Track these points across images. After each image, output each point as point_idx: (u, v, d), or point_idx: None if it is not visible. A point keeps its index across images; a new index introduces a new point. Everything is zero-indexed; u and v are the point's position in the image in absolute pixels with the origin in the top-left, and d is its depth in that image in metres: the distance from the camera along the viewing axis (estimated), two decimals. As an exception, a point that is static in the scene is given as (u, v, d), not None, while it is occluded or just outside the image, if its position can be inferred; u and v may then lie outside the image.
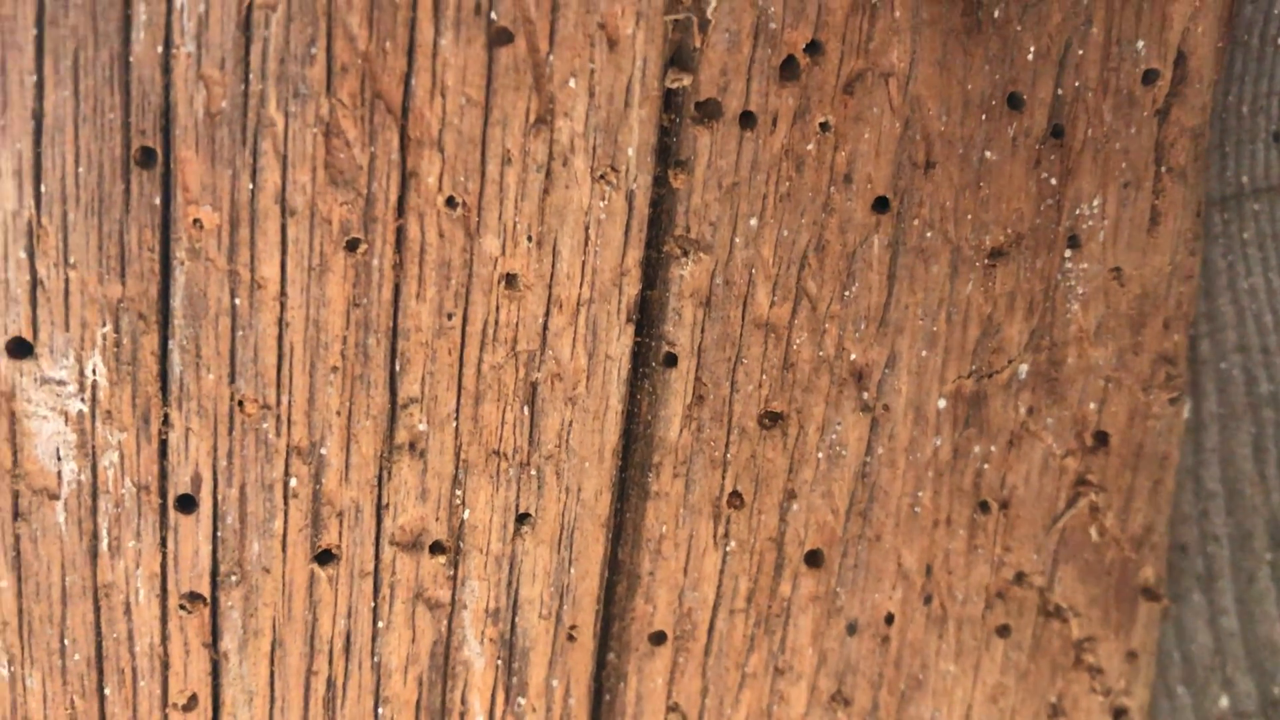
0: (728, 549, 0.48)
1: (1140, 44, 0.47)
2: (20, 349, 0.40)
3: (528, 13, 0.40)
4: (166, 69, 0.39)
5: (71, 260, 0.39)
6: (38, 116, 0.38)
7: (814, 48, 0.43)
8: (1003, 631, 0.52)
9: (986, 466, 0.49)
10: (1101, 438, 0.51)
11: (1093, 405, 0.50)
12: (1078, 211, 0.47)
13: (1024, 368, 0.49)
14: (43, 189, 0.39)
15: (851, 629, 0.50)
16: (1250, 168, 0.53)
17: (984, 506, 0.50)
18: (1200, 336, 0.54)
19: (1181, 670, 0.58)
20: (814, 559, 0.49)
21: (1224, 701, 0.58)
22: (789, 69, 0.43)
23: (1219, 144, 0.52)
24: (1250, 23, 0.52)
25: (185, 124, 0.39)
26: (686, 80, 0.42)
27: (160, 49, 0.38)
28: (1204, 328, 0.54)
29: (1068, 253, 0.48)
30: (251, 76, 0.39)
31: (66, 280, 0.40)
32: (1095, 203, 0.48)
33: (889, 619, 0.50)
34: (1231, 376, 0.55)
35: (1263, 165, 0.54)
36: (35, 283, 0.39)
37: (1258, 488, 0.56)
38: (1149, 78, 0.47)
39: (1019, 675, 0.52)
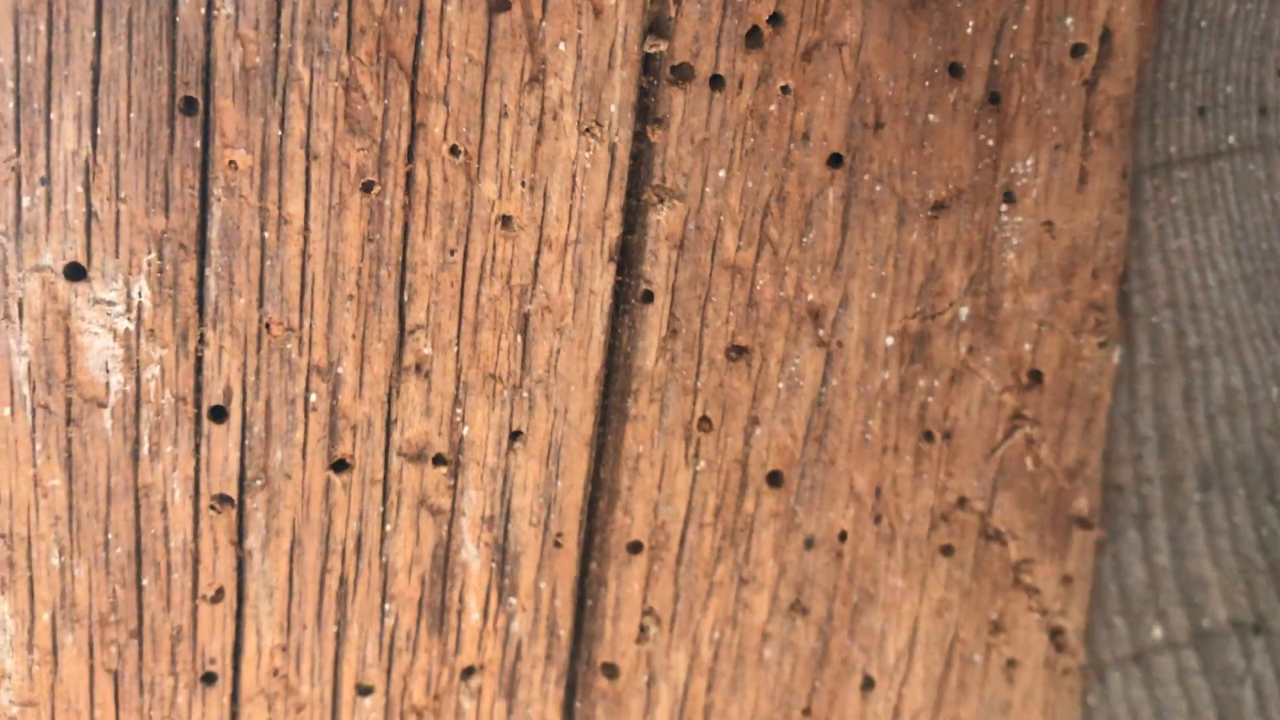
0: (698, 468, 0.53)
1: (1069, 20, 0.53)
2: (75, 273, 0.46)
3: (523, -16, 0.46)
4: (208, 28, 0.44)
5: (122, 195, 0.45)
6: (95, 68, 0.44)
7: (776, 19, 0.49)
8: (946, 551, 0.57)
9: (930, 399, 0.55)
10: (1036, 376, 0.56)
11: (1027, 346, 0.56)
12: (1013, 170, 0.53)
13: (964, 310, 0.54)
14: (98, 131, 0.44)
15: (809, 544, 0.55)
16: (1178, 139, 0.58)
17: (928, 436, 0.56)
18: (1133, 292, 0.59)
19: (1118, 603, 0.62)
20: (775, 479, 0.54)
21: (1157, 632, 0.62)
22: (754, 38, 0.49)
23: (1149, 116, 0.57)
24: (1176, 6, 0.56)
25: (224, 77, 0.45)
26: (663, 46, 0.48)
27: (203, 10, 0.44)
28: (1136, 284, 0.59)
29: (1004, 207, 0.54)
30: (282, 36, 0.45)
31: (117, 212, 0.45)
32: (1029, 162, 0.53)
33: (842, 536, 0.56)
34: (1163, 330, 0.59)
35: (1189, 136, 0.58)
36: (90, 214, 0.45)
37: (1187, 433, 0.60)
38: (1077, 51, 0.53)
39: (962, 592, 0.58)
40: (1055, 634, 0.60)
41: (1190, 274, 0.59)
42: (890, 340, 0.54)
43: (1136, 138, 0.56)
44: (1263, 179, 0.59)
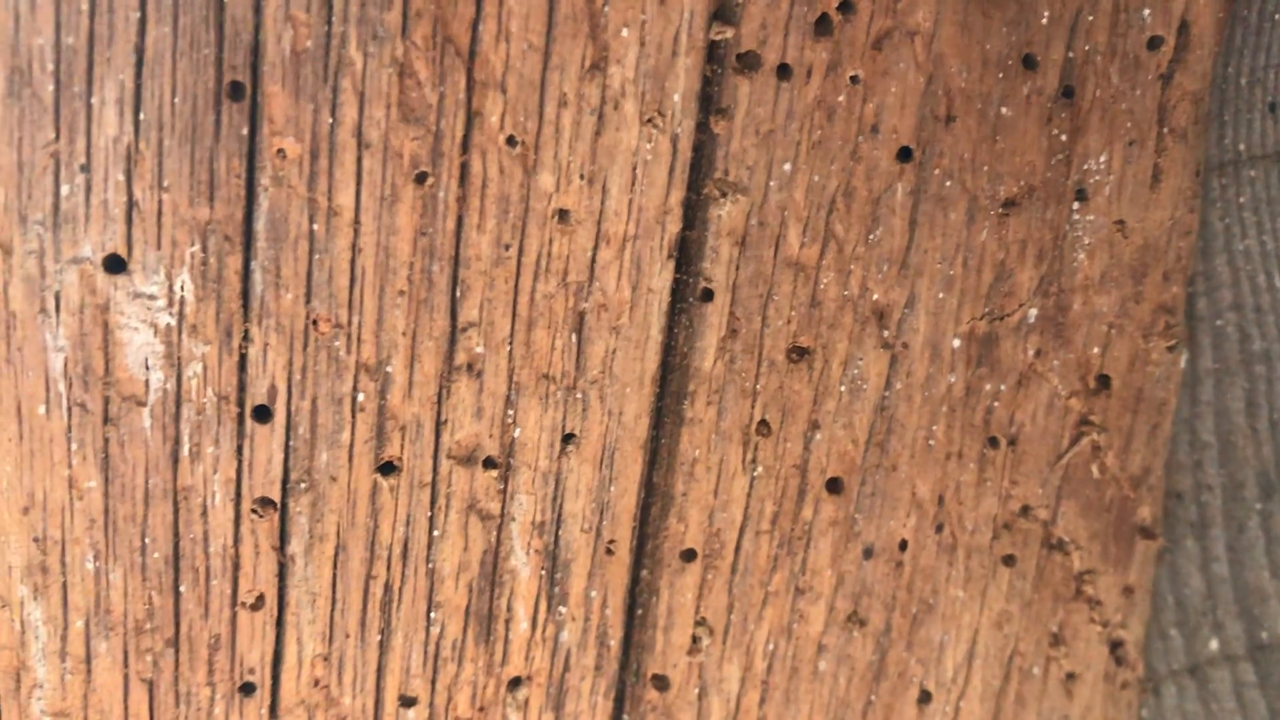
0: (755, 474, 0.51)
1: (1146, 12, 0.50)
2: (115, 265, 0.44)
3: (586, -34, 0.44)
4: (257, 9, 0.42)
5: (165, 184, 0.43)
6: (139, 50, 0.42)
7: (846, 6, 0.47)
8: (1008, 561, 0.55)
9: (996, 404, 0.53)
10: (1104, 381, 0.54)
11: (1096, 349, 0.54)
12: (1085, 166, 0.51)
13: (1033, 312, 0.52)
14: (141, 117, 0.42)
15: (868, 553, 0.53)
16: (1247, 136, 0.57)
17: (993, 442, 0.54)
18: (1197, 294, 0.57)
19: (1175, 613, 0.61)
20: (834, 486, 0.52)
21: (1214, 644, 0.61)
22: (823, 25, 0.47)
23: (1218, 113, 0.56)
24: (1249, -1, 0.55)
25: (273, 61, 0.43)
26: (729, 33, 0.46)
27: (253, -9, 0.42)
28: (1201, 286, 0.58)
29: (1075, 205, 0.52)
30: (334, 19, 0.43)
31: (160, 202, 0.43)
32: (1102, 159, 0.51)
33: (903, 545, 0.54)
34: (1226, 333, 0.58)
35: (1259, 134, 0.57)
36: (131, 203, 0.43)
37: (1249, 440, 0.59)
38: (1154, 43, 0.51)
39: (1023, 603, 0.56)
40: (1115, 646, 0.58)
41: (1256, 276, 0.58)
42: (957, 342, 0.52)
43: (1205, 135, 0.55)
44: (1333, 178, 0.58)
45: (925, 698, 0.56)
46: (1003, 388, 0.53)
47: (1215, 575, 0.60)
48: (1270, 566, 0.60)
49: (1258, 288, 0.58)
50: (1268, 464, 0.59)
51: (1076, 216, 0.52)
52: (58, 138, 0.42)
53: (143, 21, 0.42)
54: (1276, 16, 0.56)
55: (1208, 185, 0.56)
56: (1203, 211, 0.56)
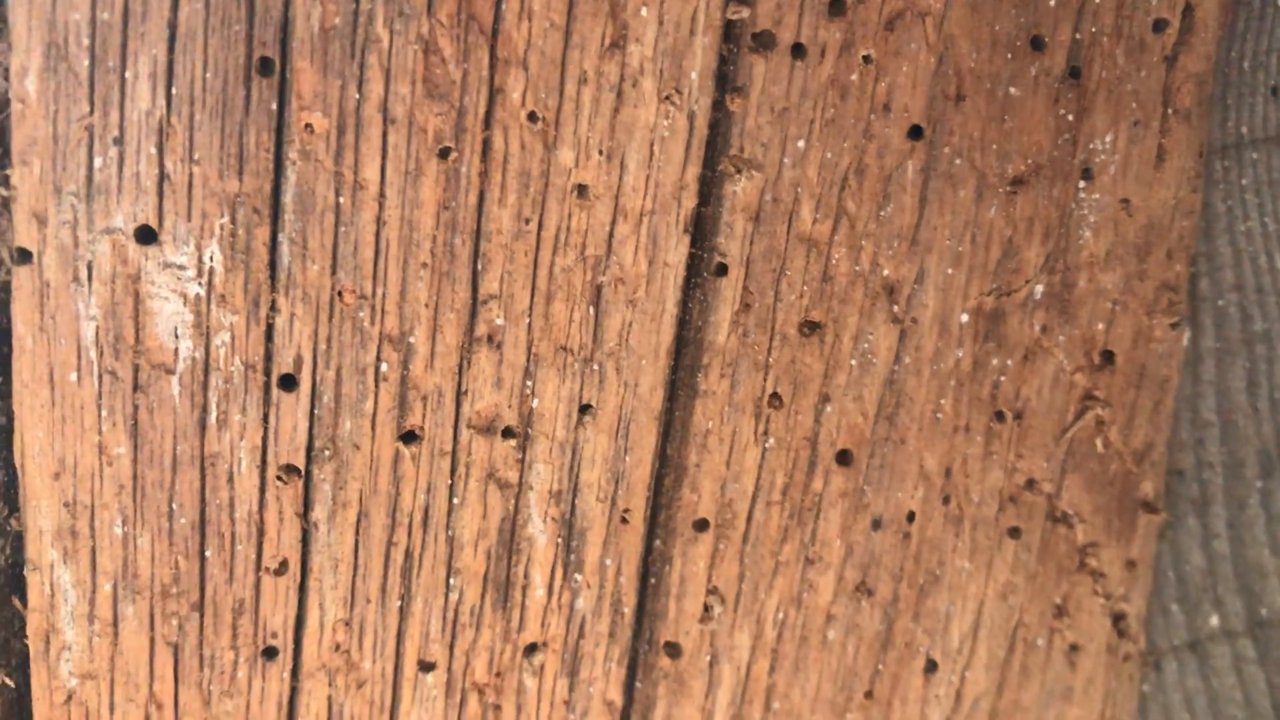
0: (767, 445, 0.53)
1: (1152, -4, 0.52)
2: (147, 235, 0.45)
3: (607, -54, 0.45)
4: (287, -13, 0.43)
5: (196, 157, 0.44)
6: (172, 26, 0.43)
7: (860, -13, 0.48)
8: (1014, 533, 0.56)
9: (1003, 379, 0.54)
10: (1108, 356, 0.55)
11: (1101, 326, 0.55)
12: (1091, 146, 0.52)
13: (1039, 288, 0.53)
14: (174, 91, 0.43)
15: (876, 524, 0.55)
16: (1250, 119, 0.58)
17: (1000, 416, 0.55)
18: (1200, 275, 0.58)
19: (1176, 589, 0.62)
20: (844, 458, 0.54)
21: (1214, 620, 0.62)
22: (837, 6, 0.48)
23: (1221, 96, 0.57)
24: (1252, -19, 0.56)
25: (302, 37, 0.44)
26: (745, 13, 0.47)
27: (283, -32, 0.43)
28: (1203, 267, 0.59)
29: (1081, 183, 0.53)
30: (362, -4, 0.44)
31: (190, 175, 0.44)
32: (1107, 138, 0.52)
33: (910, 517, 0.55)
34: (1228, 313, 0.59)
35: (1261, 117, 0.58)
36: (163, 176, 0.44)
37: (1250, 419, 0.60)
38: (1159, 26, 0.52)
39: (1028, 575, 0.57)
40: (1118, 619, 0.59)
41: (1258, 257, 0.59)
42: (965, 318, 0.53)
43: (1209, 118, 0.56)
44: (1333, 161, 0.59)
45: (931, 667, 0.57)
46: (1009, 363, 0.54)
47: (1216, 552, 0.61)
48: (1270, 544, 0.61)
49: (1259, 269, 0.59)
50: (1268, 442, 0.60)
51: (1082, 195, 0.53)
52: (92, 111, 0.43)
53: (175, -3, 0.43)
54: (1278, 2, 0.57)
55: (1210, 167, 0.57)
56: (1205, 193, 0.57)
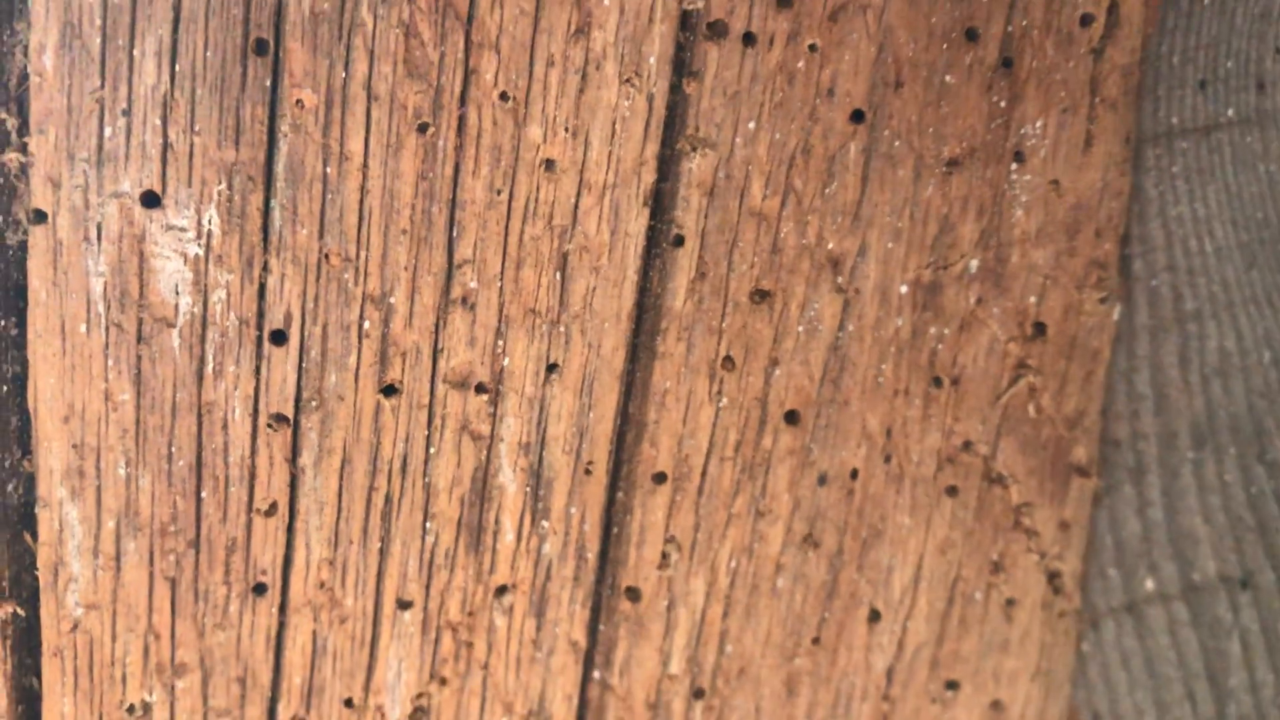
0: (720, 405, 0.57)
1: (1080, -7, 0.56)
2: (151, 200, 0.49)
3: (573, -59, 0.50)
4: (280, -25, 0.48)
5: (196, 128, 0.49)
6: (176, 9, 0.47)
7: (806, -18, 0.53)
8: (951, 492, 0.61)
9: (940, 346, 0.58)
10: (1040, 328, 0.60)
11: (1033, 299, 0.59)
12: (1023, 131, 0.57)
13: (974, 263, 0.58)
14: (177, 68, 0.48)
15: (822, 480, 0.59)
16: (1179, 110, 0.61)
17: (937, 381, 0.59)
18: (1133, 256, 0.62)
19: (1113, 554, 0.65)
20: (792, 418, 0.58)
21: (1149, 584, 0.65)
22: (785, -2, 0.53)
23: (1153, 88, 0.60)
24: (1181, -16, 0.60)
25: (294, 20, 0.48)
26: (700, 3, 0.52)
27: (277, -43, 0.48)
28: (1137, 249, 0.62)
29: (1013, 165, 0.57)
30: (348, -17, 0.48)
31: (191, 145, 0.49)
32: (1038, 124, 0.57)
33: (854, 474, 0.59)
34: (1160, 293, 0.62)
35: (1190, 108, 0.61)
36: (166, 145, 0.49)
37: (1182, 392, 0.63)
38: (1086, 20, 0.56)
39: (965, 532, 0.61)
40: (1053, 577, 0.63)
41: (1188, 240, 0.62)
42: (904, 289, 0.57)
43: (1140, 108, 0.60)
44: (1259, 151, 0.62)
45: (875, 616, 0.61)
46: (946, 331, 0.58)
47: (1151, 519, 0.64)
48: (1202, 512, 0.64)
49: (1189, 251, 0.62)
50: (1199, 415, 0.64)
51: (1014, 176, 0.57)
52: (103, 85, 0.48)
53: (179, -17, 0.47)
54: (1205, 1, 0.61)
55: (1143, 155, 0.61)
56: (1138, 179, 0.61)
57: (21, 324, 0.50)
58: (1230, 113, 0.62)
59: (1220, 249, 0.63)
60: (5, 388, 0.50)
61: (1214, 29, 0.61)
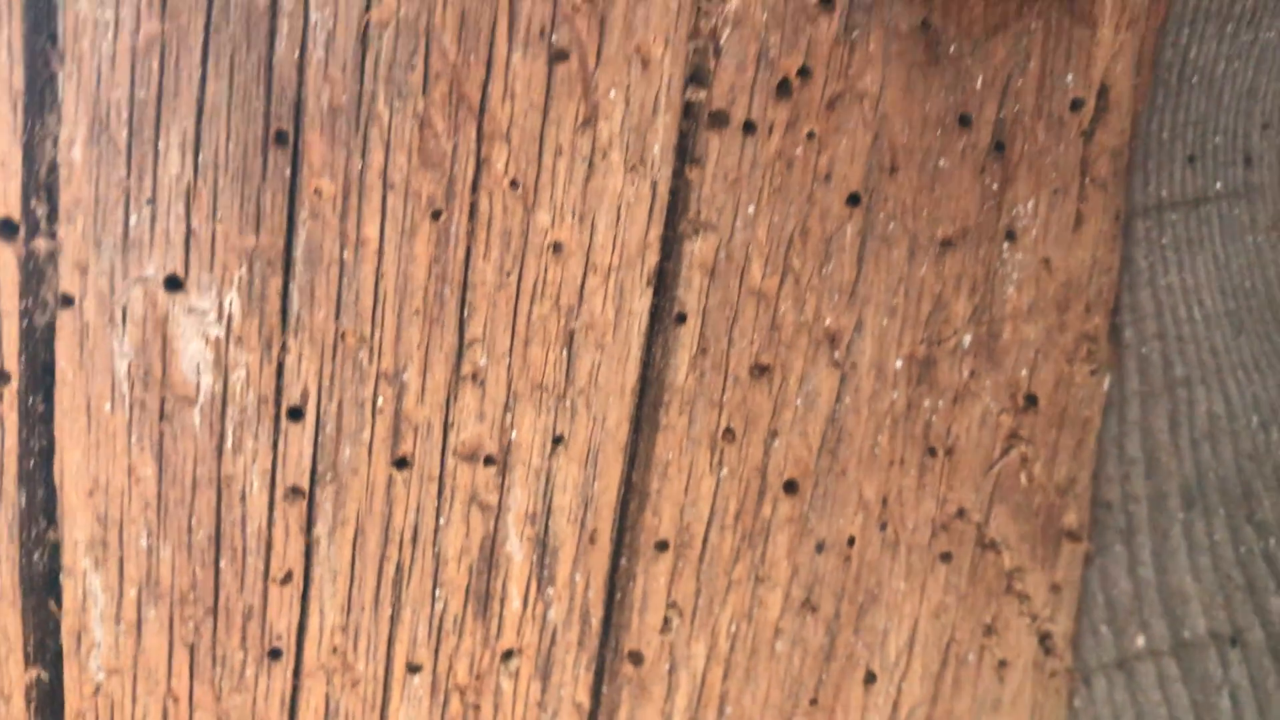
0: (721, 475, 0.59)
1: (1069, 77, 0.58)
2: (174, 284, 0.51)
3: (580, 38, 0.52)
4: (301, 70, 0.50)
5: (219, 215, 0.51)
6: (200, 103, 0.50)
7: (804, 72, 0.55)
8: (945, 558, 0.63)
9: (935, 418, 0.60)
10: (1031, 399, 0.62)
11: (1024, 372, 0.61)
12: (1014, 211, 0.59)
13: (967, 337, 0.60)
14: (200, 159, 0.50)
15: (820, 548, 0.61)
16: (1169, 184, 0.63)
17: (932, 451, 0.61)
18: (1125, 324, 0.64)
19: (1105, 612, 0.66)
20: (791, 487, 0.60)
21: (1140, 640, 0.66)
22: (784, 88, 0.55)
23: (1143, 163, 0.62)
24: (1169, 63, 0.62)
25: (313, 113, 0.50)
26: (702, 95, 0.54)
27: (297, 54, 0.50)
28: (1128, 317, 0.64)
29: (1005, 245, 0.59)
30: (366, 78, 0.50)
31: (213, 231, 0.51)
32: (1029, 205, 0.59)
33: (851, 541, 0.61)
34: (1151, 360, 0.64)
35: (1179, 182, 0.63)
36: (189, 232, 0.51)
37: (1172, 456, 0.65)
38: (1076, 105, 0.58)
39: (959, 596, 0.63)
40: (1044, 638, 0.65)
41: (1178, 309, 0.64)
42: (899, 363, 0.59)
43: (1130, 182, 0.62)
44: (1247, 223, 0.64)
45: (870, 678, 0.63)
46: (941, 404, 0.60)
47: (1142, 578, 0.66)
48: (1192, 571, 0.66)
49: (1179, 319, 0.64)
50: (1189, 478, 0.65)
51: (1006, 255, 0.59)
52: (129, 175, 0.50)
53: (204, 79, 0.49)
54: (1194, 80, 0.63)
55: (1133, 227, 0.63)
56: (1129, 250, 0.62)
57: (49, 401, 0.52)
58: (1219, 186, 0.64)
59: (1209, 317, 0.64)
60: (32, 461, 0.52)
61: (1202, 106, 0.63)
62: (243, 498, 0.54)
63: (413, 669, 0.58)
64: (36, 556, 0.53)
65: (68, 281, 0.50)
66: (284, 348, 0.52)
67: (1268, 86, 0.63)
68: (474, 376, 0.54)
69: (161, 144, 0.50)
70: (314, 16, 0.49)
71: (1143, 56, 0.59)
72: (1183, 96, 0.62)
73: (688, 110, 0.54)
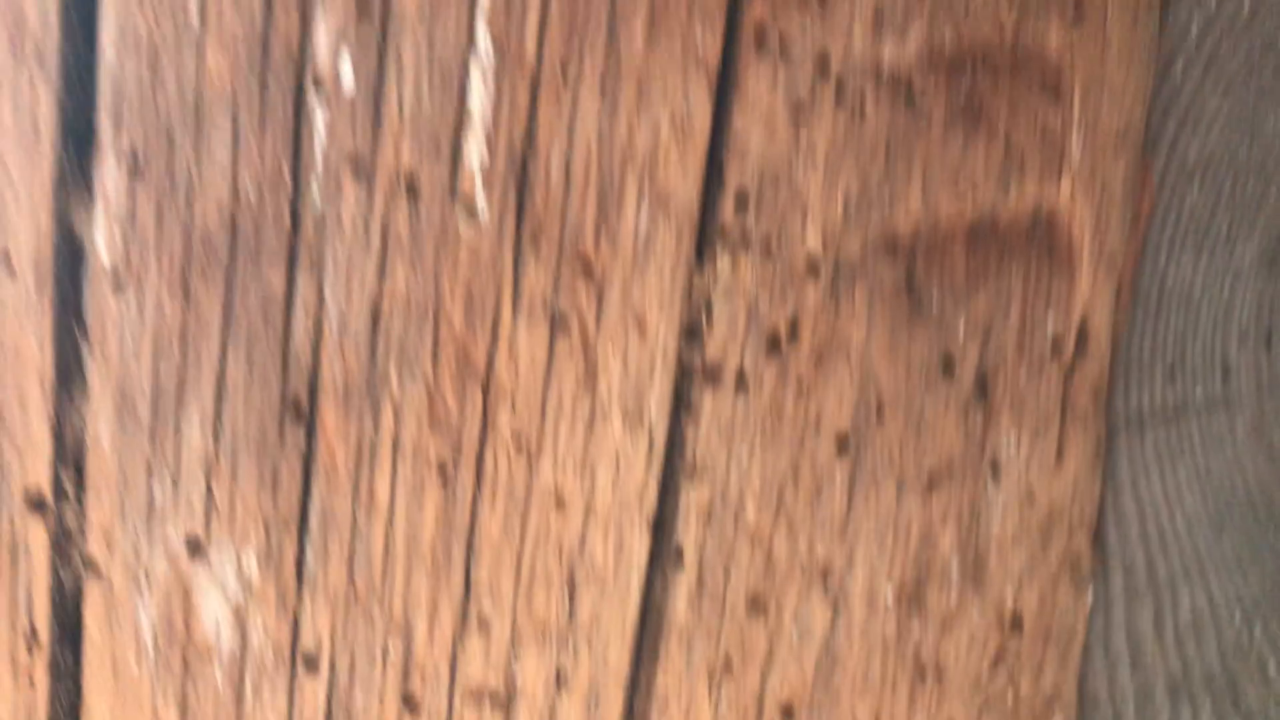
0: (720, 704, 0.61)
1: (1050, 319, 0.61)
2: (195, 548, 0.54)
3: (580, 308, 0.55)
4: (316, 347, 0.53)
5: (237, 484, 0.53)
6: (219, 382, 0.52)
7: (793, 328, 0.57)
8: (938, 772, 0.65)
9: (924, 642, 0.63)
10: (1017, 621, 0.64)
11: (1010, 595, 0.63)
12: (998, 448, 0.61)
13: (954, 566, 0.62)
14: (220, 434, 0.53)
15: (816, 768, 0.63)
16: (1150, 397, 0.65)
17: (922, 674, 0.63)
18: (1108, 528, 0.66)
19: None
20: (788, 712, 0.62)
21: None
22: (774, 344, 0.58)
23: (1124, 377, 0.65)
24: (1148, 284, 0.65)
25: (328, 388, 0.53)
26: (696, 353, 0.57)
27: (312, 336, 0.53)
28: (1111, 520, 0.66)
29: (989, 480, 0.62)
30: (378, 354, 0.53)
31: (232, 498, 0.53)
32: (1012, 441, 0.61)
33: (846, 761, 0.63)
34: (1135, 562, 0.66)
35: (1160, 395, 0.65)
36: (210, 501, 0.53)
37: (1158, 652, 0.67)
38: (1057, 346, 0.61)
39: (951, 807, 0.65)
40: (1036, 841, 0.67)
41: (1160, 513, 0.66)
42: (890, 593, 0.61)
43: (1112, 395, 0.64)
44: (1226, 432, 0.67)
45: None
46: (930, 629, 0.62)
47: (1130, 768, 0.68)
48: (1180, 760, 0.68)
49: (1161, 522, 0.66)
50: (1174, 672, 0.67)
51: (990, 490, 0.62)
52: (152, 450, 0.52)
53: (223, 360, 0.52)
54: (1172, 300, 0.65)
55: (1115, 439, 0.65)
56: (1111, 461, 0.65)
57: (77, 657, 0.54)
58: (1198, 397, 0.66)
59: (1191, 519, 0.67)
60: (61, 713, 0.55)
61: (1180, 323, 0.65)
62: (260, 742, 0.56)
63: None
64: (62, 799, 0.56)
65: (95, 549, 0.53)
66: (299, 604, 0.55)
67: (1243, 301, 0.66)
68: (480, 622, 0.57)
69: (183, 420, 0.52)
70: (328, 300, 0.52)
71: (1122, 289, 0.62)
72: (1162, 316, 0.65)
73: (682, 366, 0.57)
